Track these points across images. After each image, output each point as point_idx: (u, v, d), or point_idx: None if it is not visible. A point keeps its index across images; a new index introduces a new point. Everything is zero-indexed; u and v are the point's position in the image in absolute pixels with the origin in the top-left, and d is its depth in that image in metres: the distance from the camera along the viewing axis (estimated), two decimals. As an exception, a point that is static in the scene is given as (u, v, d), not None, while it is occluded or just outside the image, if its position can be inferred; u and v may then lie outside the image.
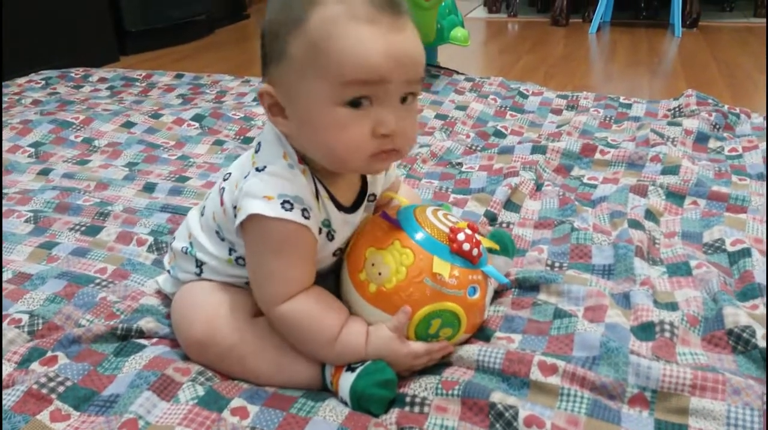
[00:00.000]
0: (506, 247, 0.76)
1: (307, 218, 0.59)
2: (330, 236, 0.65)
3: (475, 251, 0.63)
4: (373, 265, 0.63)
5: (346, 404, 0.61)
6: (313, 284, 0.64)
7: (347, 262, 0.66)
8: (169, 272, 0.75)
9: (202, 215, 0.71)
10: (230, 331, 0.64)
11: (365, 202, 0.69)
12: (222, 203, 0.66)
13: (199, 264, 0.70)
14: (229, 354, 0.64)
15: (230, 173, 0.67)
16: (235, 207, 0.62)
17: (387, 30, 0.55)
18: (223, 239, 0.67)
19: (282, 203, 0.58)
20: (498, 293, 0.77)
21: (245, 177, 0.62)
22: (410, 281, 0.62)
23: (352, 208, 0.67)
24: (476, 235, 0.65)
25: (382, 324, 0.62)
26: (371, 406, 0.60)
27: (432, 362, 0.65)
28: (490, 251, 0.71)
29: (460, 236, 0.63)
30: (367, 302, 0.63)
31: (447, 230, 0.64)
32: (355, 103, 0.56)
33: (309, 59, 0.56)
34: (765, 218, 0.90)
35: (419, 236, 0.63)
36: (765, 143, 1.17)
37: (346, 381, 0.61)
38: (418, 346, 0.63)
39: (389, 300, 0.62)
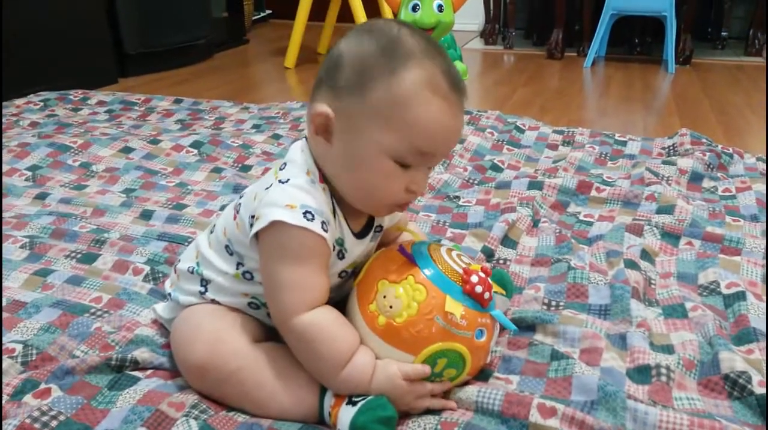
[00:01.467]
0: (505, 288, 0.76)
1: (325, 230, 0.61)
2: (341, 255, 0.66)
3: (486, 295, 0.64)
4: (384, 297, 0.63)
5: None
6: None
7: (357, 291, 0.66)
8: (169, 295, 0.76)
9: (211, 232, 0.73)
10: (232, 355, 0.64)
11: (372, 232, 0.70)
12: (235, 217, 0.67)
13: (205, 283, 0.71)
14: (229, 379, 0.64)
15: (245, 192, 0.69)
16: (252, 217, 0.63)
17: (457, 110, 0.62)
18: (231, 254, 0.68)
19: (304, 213, 0.60)
20: (495, 332, 0.77)
21: (267, 188, 0.64)
22: (421, 317, 0.62)
23: (361, 235, 0.68)
24: (489, 278, 0.65)
25: (390, 361, 0.62)
26: (370, 442, 0.59)
27: (432, 406, 0.64)
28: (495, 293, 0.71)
29: (474, 278, 0.64)
30: (374, 333, 0.63)
31: (460, 271, 0.65)
32: (403, 164, 0.62)
33: (385, 110, 0.60)
34: (760, 261, 0.91)
35: (433, 273, 0.64)
36: (759, 184, 1.18)
37: (346, 414, 0.61)
38: (420, 386, 0.63)
39: (398, 334, 0.62)
